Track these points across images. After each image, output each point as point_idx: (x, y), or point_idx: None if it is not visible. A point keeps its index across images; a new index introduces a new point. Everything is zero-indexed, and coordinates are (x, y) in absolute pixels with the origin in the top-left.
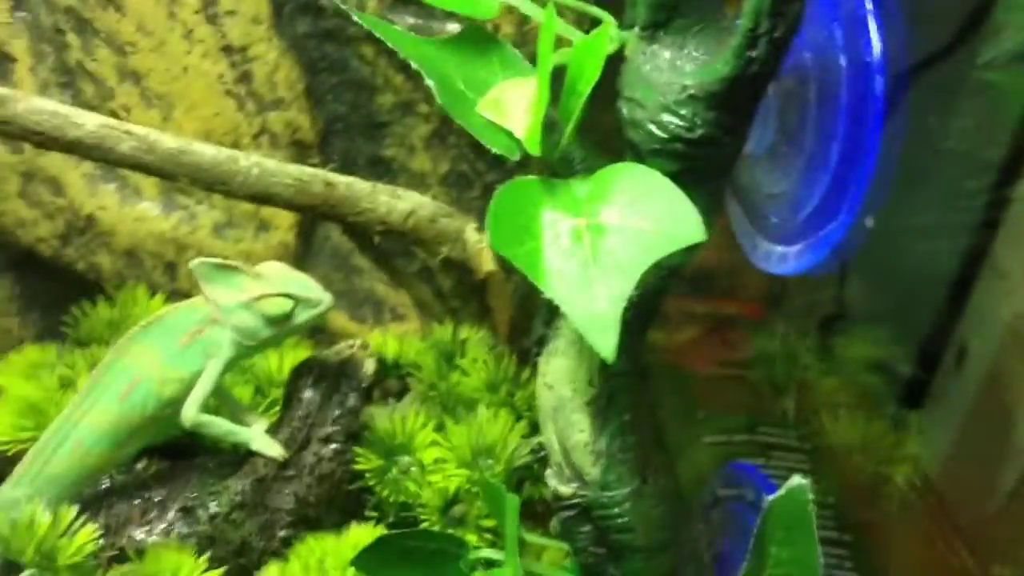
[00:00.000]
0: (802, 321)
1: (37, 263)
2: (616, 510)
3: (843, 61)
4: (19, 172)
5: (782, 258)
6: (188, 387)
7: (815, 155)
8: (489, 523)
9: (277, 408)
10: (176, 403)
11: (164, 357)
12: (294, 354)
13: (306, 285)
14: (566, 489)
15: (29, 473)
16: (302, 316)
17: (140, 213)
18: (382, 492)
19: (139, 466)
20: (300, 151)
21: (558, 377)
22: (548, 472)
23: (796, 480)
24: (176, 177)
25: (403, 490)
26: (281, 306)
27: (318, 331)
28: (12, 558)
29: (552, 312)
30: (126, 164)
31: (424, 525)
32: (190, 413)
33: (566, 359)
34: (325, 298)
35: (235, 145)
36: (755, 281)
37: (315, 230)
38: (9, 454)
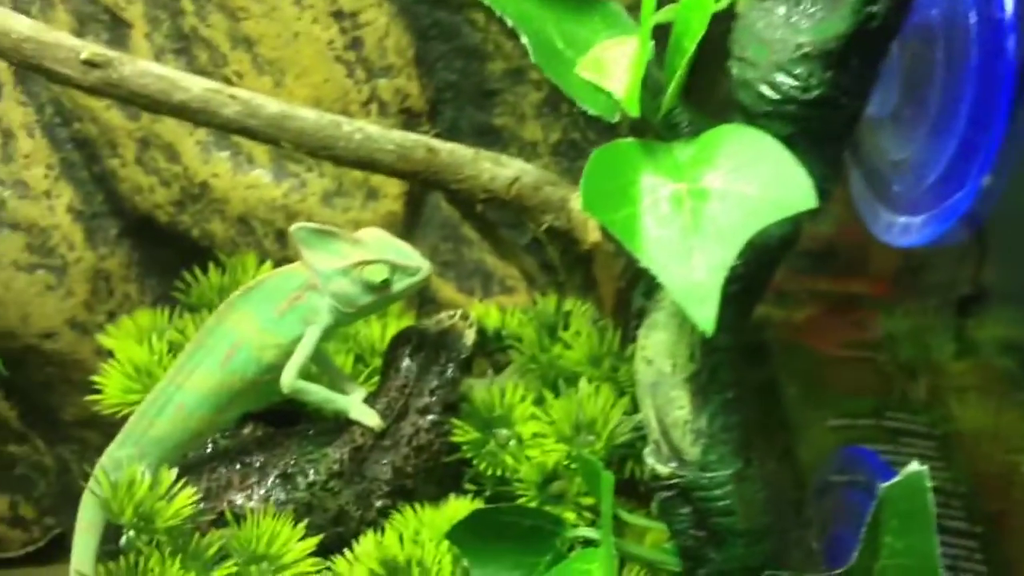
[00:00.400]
0: (936, 300)
1: (154, 229)
2: (717, 492)
3: (973, 18)
4: (136, 139)
5: (904, 229)
6: (287, 353)
7: (941, 118)
8: (588, 501)
9: (377, 379)
10: (276, 369)
11: (263, 323)
12: (397, 323)
13: (405, 252)
14: (664, 469)
15: (133, 434)
16: (401, 284)
17: (252, 180)
18: (479, 465)
19: (244, 431)
20: (409, 119)
21: (658, 351)
22: (646, 451)
23: (914, 466)
24: (279, 141)
25: (501, 464)
26: (379, 273)
27: (427, 302)
28: (112, 519)
29: (652, 283)
30: (231, 129)
31: (521, 501)
32: (288, 379)
33: (666, 332)
34: (424, 266)
35: (344, 112)
36: (884, 258)
37: (424, 200)
38: (118, 416)
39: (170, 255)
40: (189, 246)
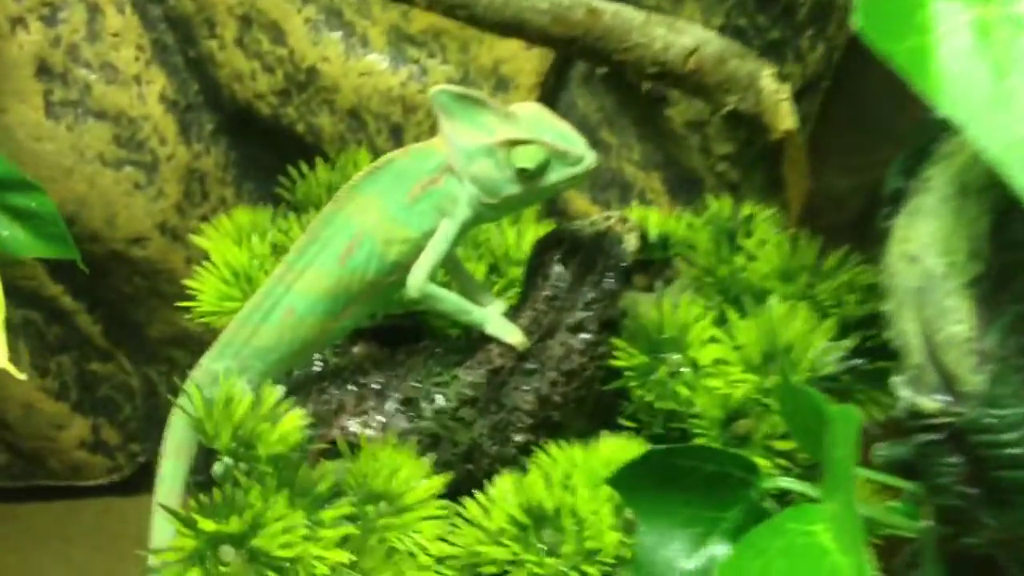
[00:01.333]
0: None
1: (254, 123)
2: (1006, 436)
3: None
4: (237, 16)
5: None
6: (416, 250)
7: None
8: (784, 445)
9: (514, 292)
10: (401, 268)
11: (391, 211)
12: (535, 230)
13: (567, 135)
14: (929, 403)
15: (233, 344)
16: (557, 174)
17: (366, 67)
18: (645, 396)
19: (356, 350)
20: None
21: (926, 246)
22: (899, 379)
23: None
24: None
25: (672, 396)
26: (533, 156)
27: (554, 214)
28: (205, 443)
29: (918, 156)
30: None
31: (698, 441)
32: (418, 280)
33: (939, 221)
34: (588, 156)
35: None
36: None
37: (560, 94)
38: (213, 326)
39: (271, 154)
40: (293, 143)
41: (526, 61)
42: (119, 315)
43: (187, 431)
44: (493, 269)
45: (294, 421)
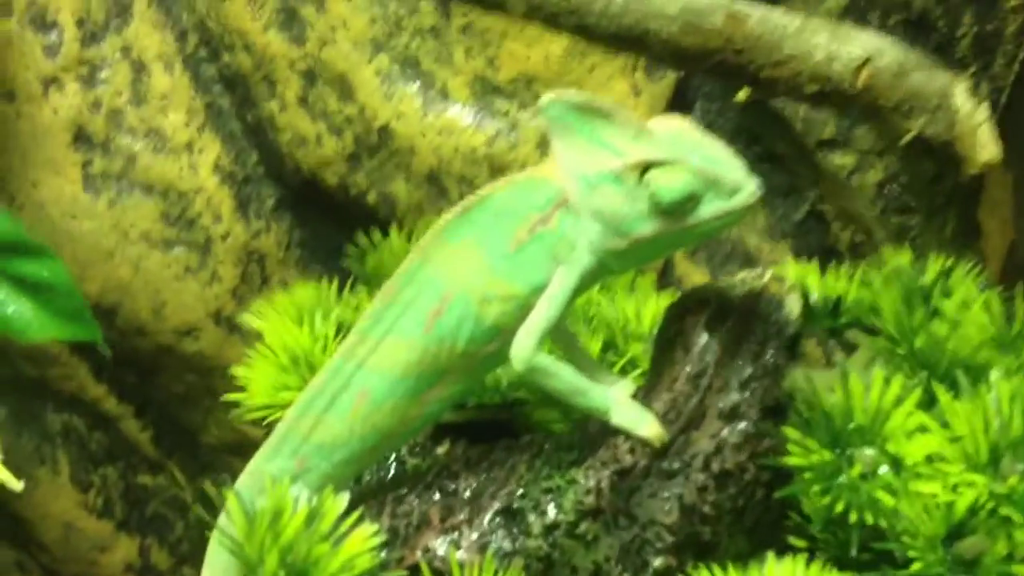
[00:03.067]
0: None
1: (320, 196)
2: None
3: None
4: (300, 71)
5: None
6: (522, 310)
7: None
8: None
9: (637, 373)
10: (503, 334)
11: (489, 261)
12: (657, 301)
13: (719, 157)
14: None
15: (290, 439)
16: (707, 207)
17: (447, 123)
18: (827, 505)
19: (440, 449)
20: None
21: None
22: None
23: None
24: (505, 1)
25: (868, 504)
26: (675, 183)
27: (664, 287)
28: (248, 570)
29: None
30: None
31: (915, 568)
32: (525, 348)
33: None
34: (748, 184)
35: None
36: None
37: None
38: (266, 423)
39: (340, 230)
40: (364, 216)
41: (635, 109)
42: (170, 419)
43: (230, 559)
44: (608, 347)
45: (362, 542)
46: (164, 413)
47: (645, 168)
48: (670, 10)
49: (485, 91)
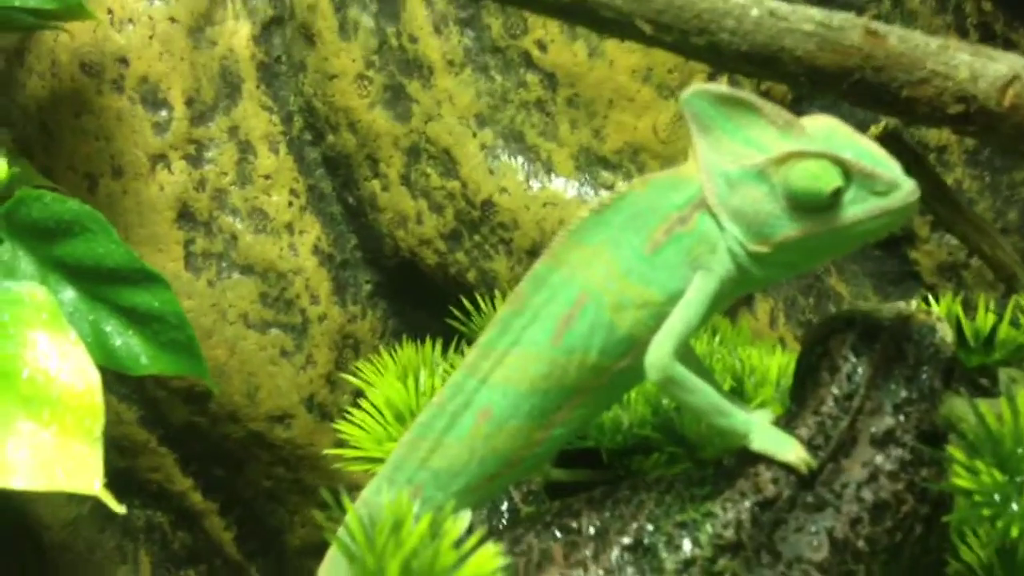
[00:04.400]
0: None
1: (417, 280)
2: None
3: None
4: (404, 148)
5: None
6: (658, 318)
7: None
8: None
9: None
10: (638, 345)
11: (624, 264)
12: (781, 354)
13: (872, 153)
14: None
15: (405, 467)
16: (859, 205)
17: (551, 196)
18: (1003, 532)
19: (556, 473)
20: None
21: None
22: None
23: None
24: (631, 23)
25: None
26: (821, 176)
27: None
28: None
29: None
30: (561, 4)
31: None
32: (661, 357)
33: None
34: (905, 184)
35: None
36: None
37: None
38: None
39: (437, 317)
40: (463, 295)
41: None
42: (255, 517)
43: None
44: (734, 393)
45: (489, 560)
46: (250, 511)
47: (790, 160)
48: (806, 26)
49: (590, 163)
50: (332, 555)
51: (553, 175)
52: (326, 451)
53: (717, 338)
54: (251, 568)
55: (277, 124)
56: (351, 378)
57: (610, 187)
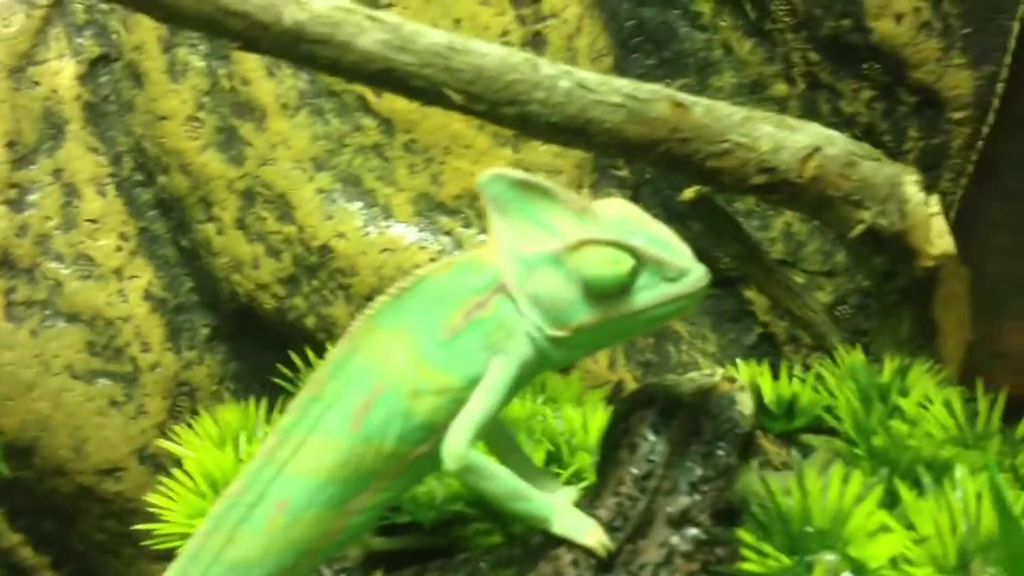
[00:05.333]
0: None
1: (256, 323)
2: None
3: None
4: (238, 191)
5: None
6: (456, 404)
7: None
8: None
9: (584, 485)
10: (436, 431)
11: (421, 350)
12: (604, 413)
13: (664, 239)
14: None
15: (199, 560)
16: (650, 292)
17: (389, 241)
18: None
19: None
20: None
21: None
22: None
23: None
24: (441, 92)
25: None
26: (612, 263)
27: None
28: None
29: None
30: (370, 71)
31: None
32: (458, 445)
33: None
34: (695, 269)
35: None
36: None
37: None
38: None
39: (278, 358)
40: (302, 344)
41: None
42: (90, 571)
43: None
44: (552, 459)
45: None
46: (84, 564)
47: (584, 246)
48: (614, 98)
49: (429, 208)
50: None
51: (392, 220)
52: (133, 527)
53: (542, 396)
54: None
55: (105, 166)
56: (167, 444)
57: (449, 232)
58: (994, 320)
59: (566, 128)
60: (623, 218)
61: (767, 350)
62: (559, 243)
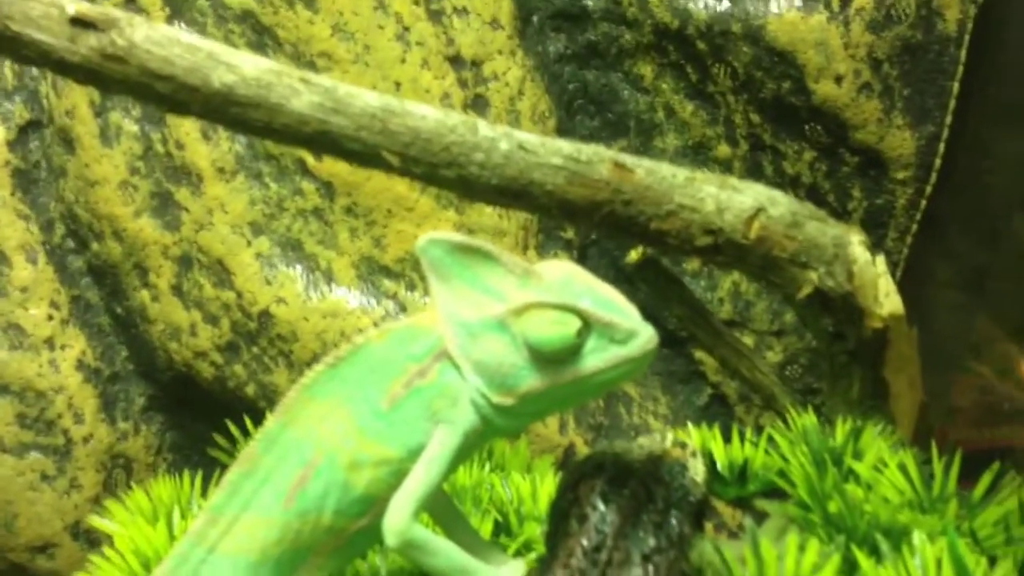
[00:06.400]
0: None
1: (195, 393)
2: None
3: None
4: (174, 257)
5: None
6: (396, 476)
7: None
8: None
9: (533, 556)
10: (375, 505)
11: (360, 421)
12: (554, 480)
13: (610, 301)
14: None
15: None
16: (599, 354)
17: (331, 306)
18: None
19: None
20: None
21: None
22: None
23: None
24: (378, 155)
25: None
26: (558, 328)
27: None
28: None
29: None
30: (304, 134)
31: None
32: (399, 520)
33: None
34: (643, 331)
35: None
36: None
37: None
38: None
39: (218, 428)
40: (242, 409)
41: None
42: None
43: None
44: (500, 529)
45: None
46: None
47: (528, 310)
48: (555, 160)
49: (371, 272)
50: None
51: (333, 284)
52: None
53: (489, 464)
54: None
55: (35, 233)
56: (98, 521)
57: (393, 296)
58: (944, 376)
59: (506, 190)
60: (568, 280)
61: (719, 410)
62: (503, 307)
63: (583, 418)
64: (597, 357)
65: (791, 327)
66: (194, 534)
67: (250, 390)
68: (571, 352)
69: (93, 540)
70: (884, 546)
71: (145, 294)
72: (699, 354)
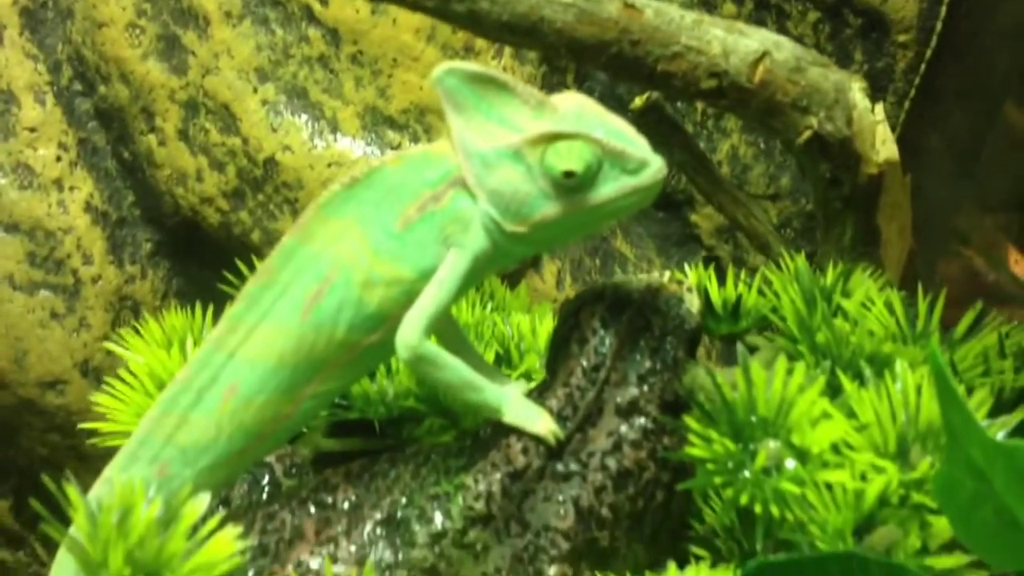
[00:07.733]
0: None
1: (200, 238)
2: None
3: None
4: (181, 101)
5: None
6: (408, 296)
7: None
8: (946, 562)
9: (534, 384)
10: (387, 322)
11: (374, 241)
12: (553, 320)
13: (622, 132)
14: None
15: (150, 443)
16: (611, 185)
17: (336, 155)
18: (731, 500)
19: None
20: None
21: None
22: None
23: None
24: None
25: (773, 498)
26: (577, 156)
27: None
28: (89, 572)
29: None
30: None
31: None
32: (411, 336)
33: None
34: (654, 161)
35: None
36: None
37: None
38: None
39: (223, 275)
40: (248, 256)
41: None
42: (32, 485)
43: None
44: (501, 360)
45: (224, 546)
46: (26, 479)
47: (546, 141)
48: None
49: (376, 122)
50: (61, 551)
51: (338, 134)
52: (80, 425)
53: (491, 305)
54: (30, 537)
55: (43, 73)
56: (113, 346)
57: (397, 147)
58: (932, 246)
59: (516, 27)
60: (581, 111)
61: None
62: (518, 137)
63: (579, 275)
64: (609, 186)
65: (786, 191)
66: (215, 340)
67: (255, 236)
68: (585, 181)
69: (101, 379)
70: (868, 372)
71: (152, 138)
72: (695, 217)
